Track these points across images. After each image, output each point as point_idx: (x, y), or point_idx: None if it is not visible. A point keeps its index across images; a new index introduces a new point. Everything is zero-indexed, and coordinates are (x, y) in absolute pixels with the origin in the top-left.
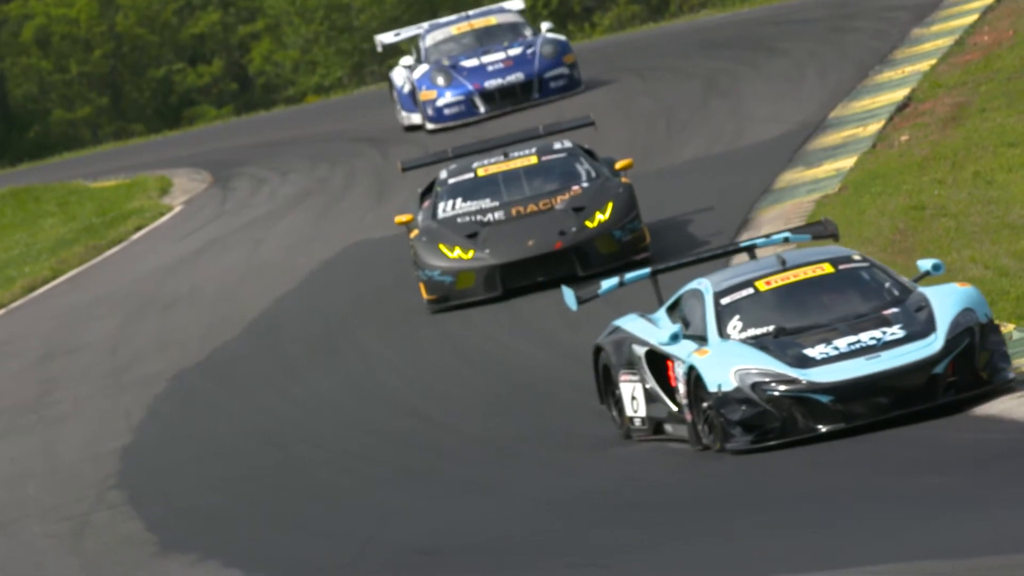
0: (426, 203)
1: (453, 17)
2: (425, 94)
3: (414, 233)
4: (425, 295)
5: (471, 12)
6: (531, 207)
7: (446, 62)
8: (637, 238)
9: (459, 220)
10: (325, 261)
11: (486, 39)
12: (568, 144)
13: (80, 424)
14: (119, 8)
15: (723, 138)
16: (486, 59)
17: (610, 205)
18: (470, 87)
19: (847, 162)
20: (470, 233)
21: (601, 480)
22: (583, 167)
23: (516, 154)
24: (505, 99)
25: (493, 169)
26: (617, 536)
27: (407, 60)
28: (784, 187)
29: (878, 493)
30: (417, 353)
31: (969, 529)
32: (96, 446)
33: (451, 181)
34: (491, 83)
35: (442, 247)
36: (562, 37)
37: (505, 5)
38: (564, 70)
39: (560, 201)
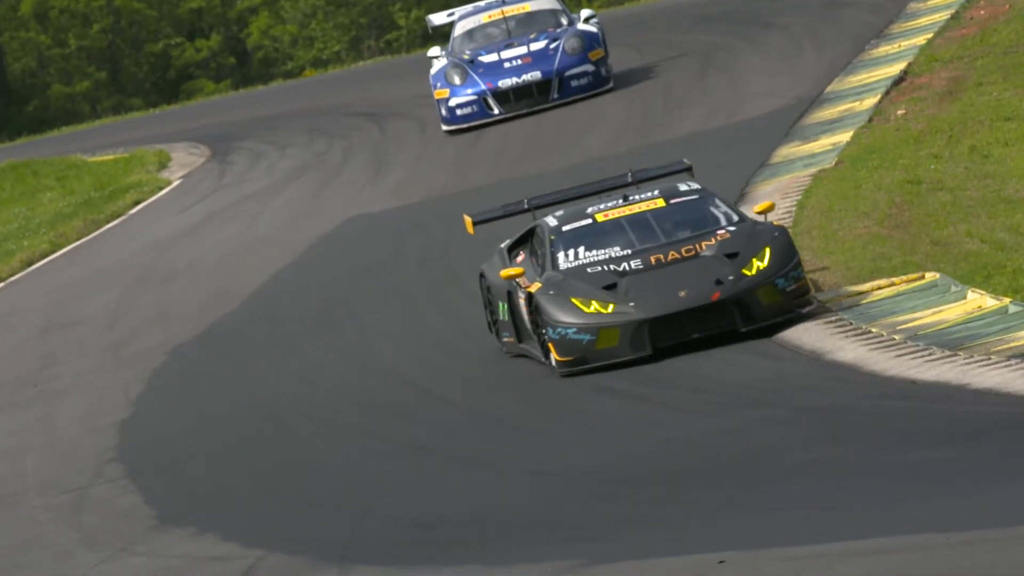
0: (520, 256)
1: (483, 3)
2: (439, 92)
3: (534, 287)
4: (557, 357)
5: None
6: (672, 254)
7: (467, 55)
8: (801, 288)
9: (589, 270)
10: (323, 235)
11: (517, 28)
12: (695, 185)
13: (79, 398)
14: None
15: (720, 113)
16: (506, 54)
17: (767, 251)
18: (483, 86)
19: (843, 136)
20: (607, 284)
21: (601, 454)
22: (719, 210)
23: (637, 197)
24: (520, 100)
25: (614, 214)
26: (617, 509)
27: (435, 51)
28: (780, 161)
29: (873, 467)
30: (415, 326)
31: (964, 502)
32: (95, 420)
33: (566, 228)
34: (505, 82)
35: (576, 301)
36: (593, 29)
37: None
38: (588, 67)
39: (706, 247)
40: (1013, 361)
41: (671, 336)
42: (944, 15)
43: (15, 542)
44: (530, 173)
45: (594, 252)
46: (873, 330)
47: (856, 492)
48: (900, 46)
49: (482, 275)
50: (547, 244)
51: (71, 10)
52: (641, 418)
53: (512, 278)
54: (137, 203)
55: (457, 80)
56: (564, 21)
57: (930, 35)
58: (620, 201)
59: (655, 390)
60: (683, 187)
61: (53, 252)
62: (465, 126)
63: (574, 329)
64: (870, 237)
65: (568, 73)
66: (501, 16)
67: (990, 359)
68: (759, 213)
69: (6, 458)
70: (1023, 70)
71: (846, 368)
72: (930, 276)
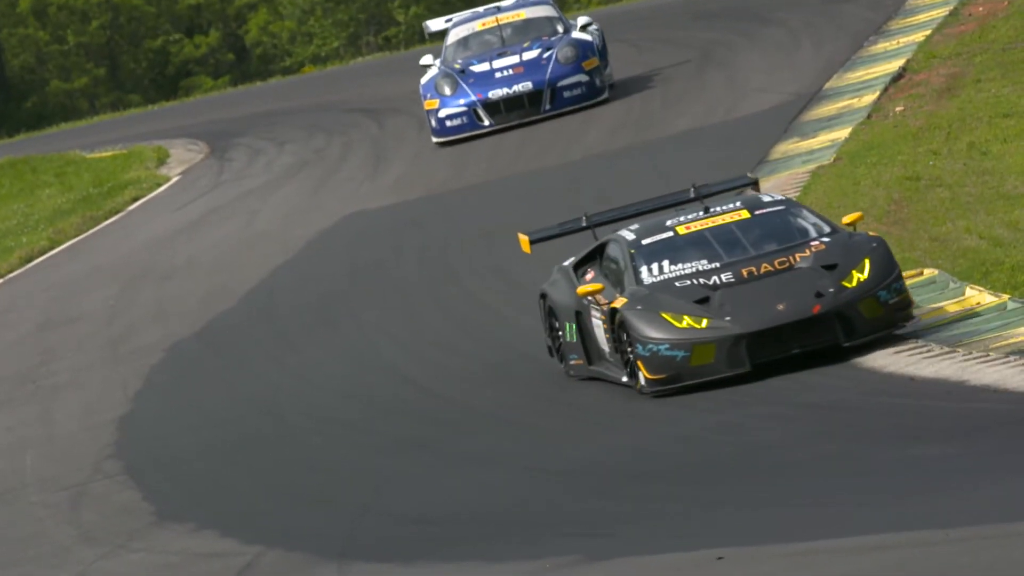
0: (590, 273)
1: (482, 9)
2: (428, 103)
3: (619, 302)
4: (647, 375)
5: (504, 3)
6: (765, 266)
7: (457, 65)
8: (904, 301)
9: (678, 284)
10: (322, 231)
11: (512, 36)
12: (779, 196)
13: (77, 394)
14: None
15: (718, 109)
16: (497, 63)
17: (867, 262)
18: (473, 97)
19: (842, 133)
20: (699, 298)
21: (599, 450)
22: (807, 221)
23: (719, 209)
24: (512, 111)
25: (696, 226)
26: (616, 506)
27: (427, 59)
28: (779, 158)
29: (872, 463)
30: (413, 323)
31: (962, 499)
32: (93, 416)
33: (646, 242)
34: (495, 93)
35: (667, 316)
36: (588, 37)
37: None
38: (582, 78)
39: (801, 259)
40: (1011, 358)
41: (770, 352)
42: (943, 11)
43: (14, 538)
44: (529, 169)
45: (679, 266)
46: None
47: (854, 489)
48: (899, 43)
49: (543, 295)
50: (627, 259)
51: (70, 6)
52: (638, 414)
53: (590, 295)
54: (136, 199)
55: (447, 90)
56: (560, 29)
57: (929, 32)
58: (701, 213)
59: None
60: (766, 198)
61: (52, 248)
62: (454, 138)
63: (666, 345)
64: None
65: (561, 84)
66: (495, 23)
67: (988, 355)
68: (848, 224)
69: (5, 454)
70: (1022, 67)
71: (845, 365)
72: (928, 272)
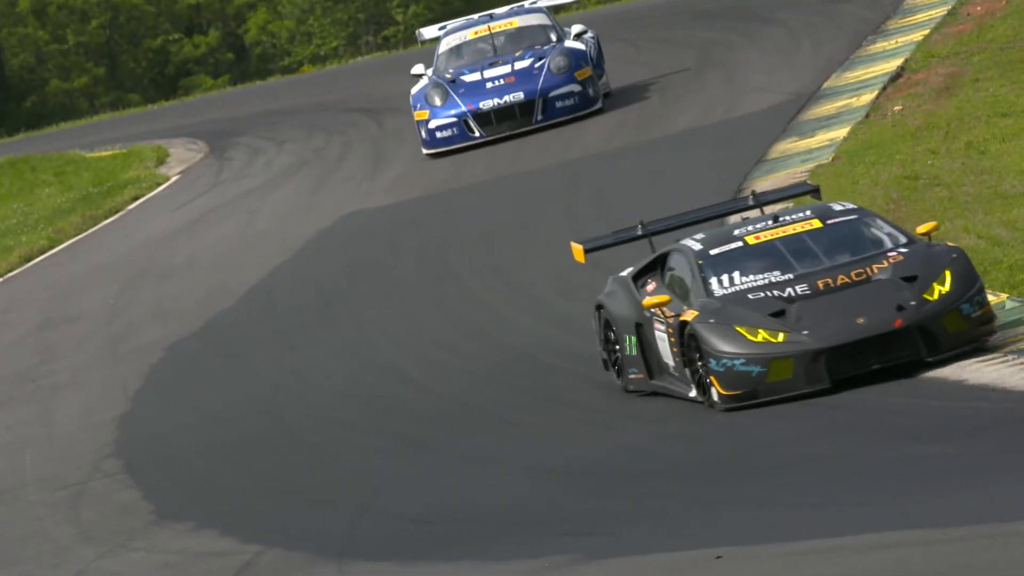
0: (651, 284)
1: (476, 17)
2: (419, 114)
3: (689, 315)
4: (721, 390)
5: (497, 11)
6: (841, 278)
7: (448, 75)
8: (987, 314)
9: (751, 296)
10: (321, 231)
11: (505, 45)
12: (850, 205)
13: (77, 393)
14: None
15: (717, 108)
16: (489, 73)
17: (948, 274)
18: (464, 108)
19: (840, 132)
20: (775, 311)
21: (597, 449)
22: (882, 230)
23: (789, 218)
24: (503, 122)
25: (766, 235)
26: (614, 505)
27: (418, 68)
28: (778, 157)
29: (871, 462)
30: (412, 322)
31: (961, 498)
32: (93, 415)
33: (714, 252)
34: (486, 103)
35: (741, 330)
36: (581, 46)
37: (543, 1)
38: (575, 87)
39: (879, 270)
40: (1010, 357)
41: (850, 367)
42: (941, 11)
43: (14, 537)
44: (528, 169)
45: (751, 277)
46: None
47: (854, 488)
48: (897, 42)
49: (600, 307)
50: (693, 270)
51: (69, 6)
52: (638, 414)
53: (657, 307)
54: (135, 199)
55: (437, 101)
56: (554, 37)
57: (927, 31)
58: (770, 223)
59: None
60: (838, 207)
61: (51, 248)
62: (445, 149)
63: (742, 360)
64: None
65: (553, 94)
66: (488, 32)
67: (987, 355)
68: (923, 234)
69: (4, 453)
70: (1020, 66)
71: None
72: None
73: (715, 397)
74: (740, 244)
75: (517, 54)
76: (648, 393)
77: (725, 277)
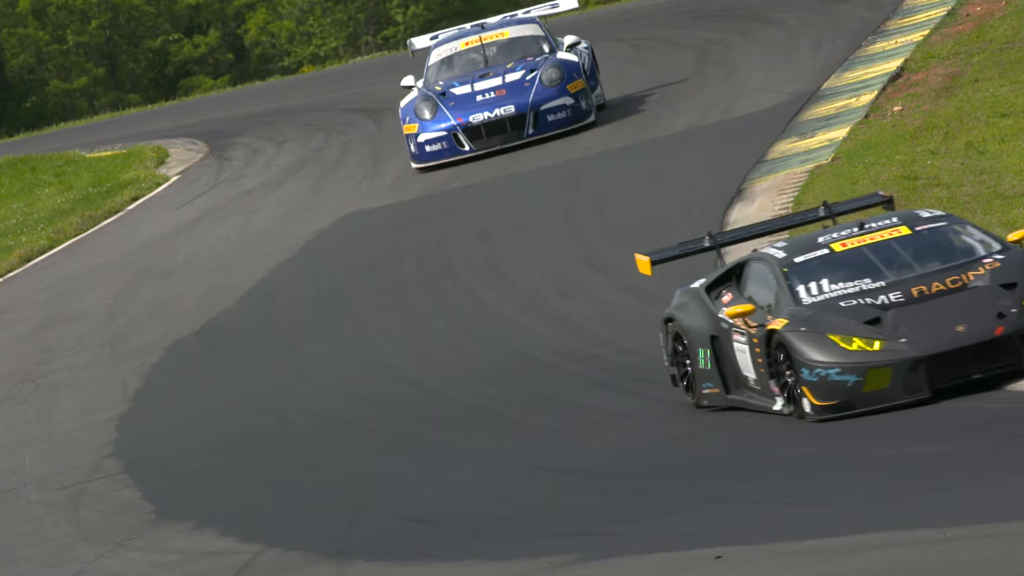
0: (727, 295)
1: (467, 27)
2: (408, 127)
3: (778, 323)
4: (814, 401)
5: (488, 21)
6: (936, 285)
7: (439, 87)
8: None
9: (843, 304)
10: (320, 231)
11: (496, 56)
12: (939, 212)
13: (77, 393)
14: None
15: (716, 108)
16: (479, 86)
17: None
18: (454, 121)
19: (840, 132)
20: (870, 319)
21: (597, 448)
22: (973, 237)
23: (875, 225)
24: (493, 136)
25: (853, 243)
26: (614, 505)
27: (408, 80)
28: (777, 157)
29: (869, 462)
30: (412, 321)
31: (960, 498)
32: (93, 414)
33: (799, 260)
34: (476, 117)
35: (835, 338)
36: (574, 58)
37: (536, 11)
38: (567, 100)
39: (975, 277)
40: None
41: (950, 376)
42: (940, 11)
43: (13, 536)
44: (526, 169)
45: (841, 284)
46: None
47: (852, 488)
48: (897, 42)
49: (669, 320)
50: (779, 278)
51: (69, 6)
52: (638, 413)
53: (738, 317)
54: (135, 199)
55: (427, 114)
56: (546, 48)
57: (926, 31)
58: (855, 229)
59: (651, 385)
60: (925, 213)
61: (51, 248)
62: (435, 163)
63: (837, 370)
64: None
65: (544, 107)
66: (479, 43)
67: None
68: (1015, 241)
69: (4, 453)
70: (1019, 66)
71: None
72: None
73: (807, 408)
74: (826, 251)
75: (509, 66)
76: (723, 408)
77: (813, 285)
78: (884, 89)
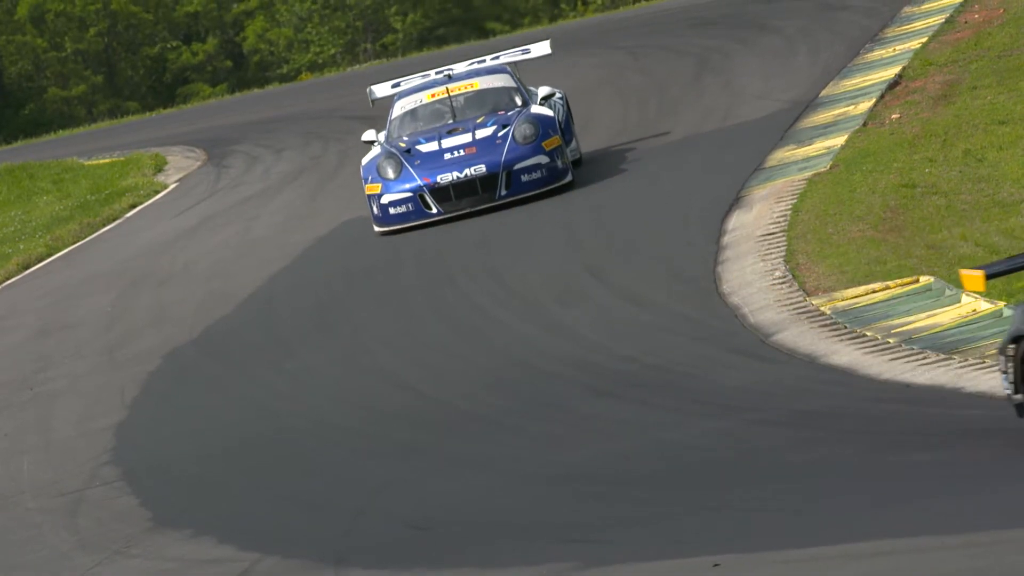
0: None
1: (432, 77)
2: (370, 187)
3: None
4: None
5: (455, 70)
6: None
7: (403, 143)
8: None
9: None
10: (319, 238)
11: (465, 109)
12: None
13: (75, 400)
14: None
15: (714, 116)
16: (447, 143)
17: None
18: (420, 181)
19: (838, 140)
20: None
21: (595, 456)
22: None
23: None
24: (463, 198)
25: None
26: (612, 512)
27: (370, 134)
28: (775, 165)
29: (867, 469)
30: (410, 328)
31: (958, 505)
32: (90, 422)
33: None
34: (444, 177)
35: None
36: (549, 112)
37: (507, 58)
38: (542, 159)
39: None
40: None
41: None
42: (938, 19)
43: (11, 544)
44: None
45: None
46: (868, 334)
47: (850, 495)
48: (895, 50)
49: (1018, 339)
50: None
51: (67, 14)
52: (636, 420)
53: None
54: (133, 206)
55: (390, 173)
56: (519, 101)
57: (924, 39)
58: None
59: (649, 392)
60: None
61: (49, 255)
62: (399, 227)
63: None
64: (865, 241)
65: (518, 166)
66: (446, 94)
67: (984, 363)
68: None
69: (2, 460)
70: (1017, 74)
71: (841, 371)
72: (924, 280)
73: None
74: None
75: (479, 120)
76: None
77: None
78: (882, 97)
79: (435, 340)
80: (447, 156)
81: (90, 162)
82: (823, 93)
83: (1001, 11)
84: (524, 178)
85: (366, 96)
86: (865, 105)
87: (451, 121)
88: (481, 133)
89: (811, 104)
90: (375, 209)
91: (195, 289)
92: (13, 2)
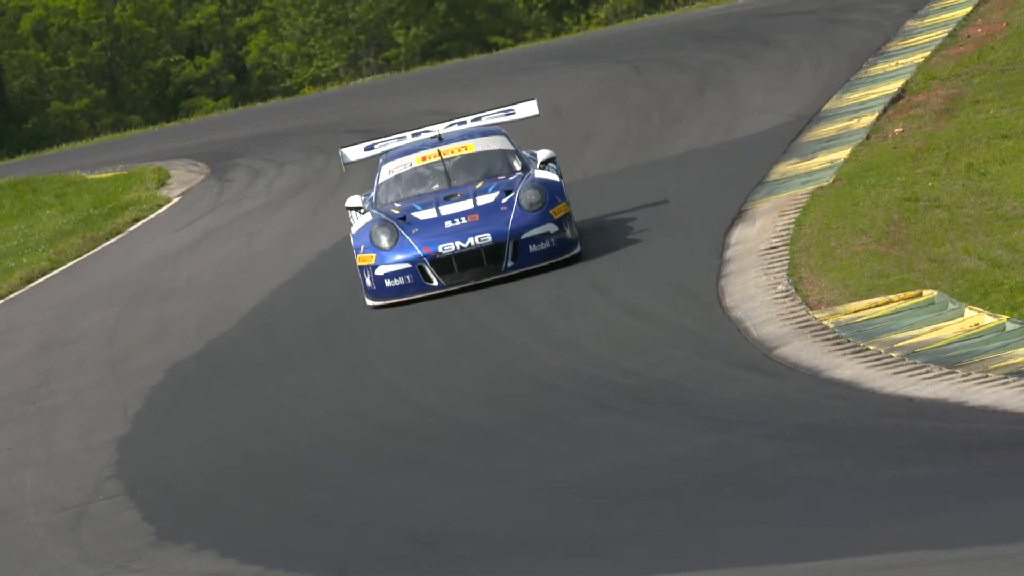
0: None
1: (422, 137)
2: (362, 258)
3: None
4: None
5: (445, 132)
6: None
7: (396, 210)
8: None
9: None
10: (321, 252)
11: (458, 174)
12: None
13: (77, 414)
14: (117, 0)
15: (717, 129)
16: (447, 209)
17: None
18: (419, 252)
19: (841, 154)
20: None
21: (597, 470)
22: None
23: None
24: (466, 269)
25: None
26: (615, 525)
27: (354, 200)
28: (778, 179)
29: (870, 483)
30: (412, 342)
31: (961, 519)
32: (93, 436)
33: None
34: (447, 247)
35: None
36: (554, 177)
37: (499, 118)
38: (551, 228)
39: None
40: (1010, 379)
41: None
42: (941, 33)
43: (14, 558)
44: None
45: None
46: (871, 347)
47: (853, 509)
48: (897, 64)
49: None
50: None
51: (70, 28)
52: (637, 434)
53: None
54: (136, 220)
55: (385, 243)
56: (517, 166)
57: (927, 53)
58: None
59: (652, 406)
60: None
61: (52, 269)
62: (396, 301)
63: None
64: (868, 254)
65: (525, 236)
66: (438, 157)
67: (987, 377)
68: None
69: (5, 474)
70: (1020, 88)
71: (844, 385)
72: (927, 293)
73: None
74: None
75: (478, 186)
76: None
77: None
78: (885, 110)
79: (437, 354)
80: (448, 224)
81: (93, 176)
82: (826, 107)
83: (1004, 25)
84: (532, 248)
85: (370, 108)
86: (868, 119)
87: (447, 186)
88: (483, 199)
89: (814, 118)
90: (368, 281)
91: (197, 303)
92: (16, 16)
